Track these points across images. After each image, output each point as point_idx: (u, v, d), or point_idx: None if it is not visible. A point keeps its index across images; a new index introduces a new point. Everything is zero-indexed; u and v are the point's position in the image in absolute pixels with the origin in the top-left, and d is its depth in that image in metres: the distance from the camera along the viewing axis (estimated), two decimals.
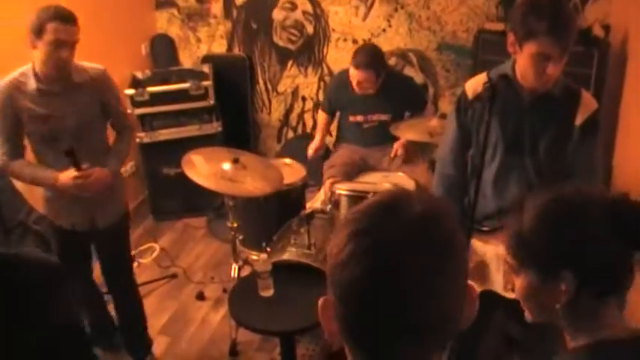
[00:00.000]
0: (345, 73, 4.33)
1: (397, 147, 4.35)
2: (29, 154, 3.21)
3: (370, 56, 4.15)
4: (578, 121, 2.55)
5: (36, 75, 3.02)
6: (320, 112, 4.77)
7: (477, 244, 2.78)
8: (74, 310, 1.80)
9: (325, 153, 4.77)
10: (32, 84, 3.01)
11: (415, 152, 4.44)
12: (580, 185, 1.47)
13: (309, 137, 5.52)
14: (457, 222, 1.02)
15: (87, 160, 3.07)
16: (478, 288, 2.77)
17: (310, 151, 4.59)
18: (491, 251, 2.76)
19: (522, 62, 2.46)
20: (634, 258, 1.39)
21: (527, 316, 1.55)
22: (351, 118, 4.43)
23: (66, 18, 2.92)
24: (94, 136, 3.25)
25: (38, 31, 2.89)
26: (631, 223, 1.36)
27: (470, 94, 2.69)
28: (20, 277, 1.38)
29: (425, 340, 0.97)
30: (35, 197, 3.83)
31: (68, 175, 3.02)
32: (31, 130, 3.09)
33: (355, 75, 4.13)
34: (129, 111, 4.82)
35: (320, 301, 1.04)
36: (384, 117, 4.33)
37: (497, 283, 2.75)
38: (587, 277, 1.39)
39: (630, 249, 1.38)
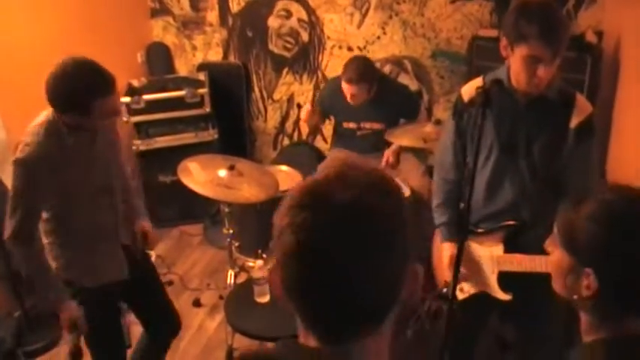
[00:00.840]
0: (338, 81, 4.32)
1: (388, 155, 4.32)
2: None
3: (361, 70, 4.12)
4: (573, 124, 2.57)
5: (67, 126, 2.60)
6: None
7: (472, 245, 2.80)
8: None
9: (319, 160, 4.77)
10: (68, 139, 2.60)
11: (410, 158, 4.44)
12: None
13: (305, 144, 5.56)
14: (399, 202, 1.09)
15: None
16: (473, 289, 2.81)
17: (304, 120, 4.48)
18: (486, 253, 2.78)
19: (514, 65, 2.49)
20: None
21: (554, 285, 1.56)
22: (345, 125, 4.44)
23: (111, 85, 2.52)
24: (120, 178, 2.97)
25: (84, 111, 2.50)
26: None
27: (466, 98, 2.72)
28: None
29: (354, 312, 1.04)
30: None
31: (74, 313, 2.72)
32: (71, 194, 2.70)
33: (348, 89, 4.13)
34: (124, 119, 4.85)
35: (271, 265, 1.10)
36: (377, 126, 4.32)
37: (492, 285, 2.76)
38: (610, 284, 1.39)
39: None
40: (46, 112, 2.63)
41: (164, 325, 3.28)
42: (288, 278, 1.04)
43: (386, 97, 4.29)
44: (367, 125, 4.37)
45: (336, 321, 1.05)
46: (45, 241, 2.78)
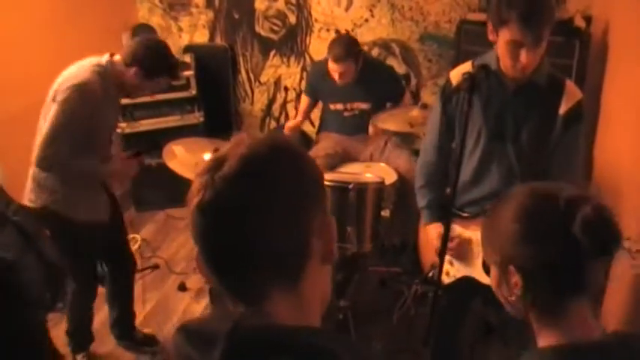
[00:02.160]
0: (323, 63, 4.33)
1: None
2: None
3: (346, 47, 4.12)
4: (562, 110, 2.57)
5: (118, 80, 3.06)
6: (303, 95, 4.71)
7: (458, 229, 2.79)
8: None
9: (306, 142, 4.75)
10: (112, 89, 3.06)
11: (397, 143, 4.43)
12: (548, 185, 1.48)
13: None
14: (295, 158, 1.13)
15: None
16: (459, 273, 2.80)
17: (287, 130, 4.46)
18: (471, 237, 2.78)
19: (500, 50, 2.49)
20: (599, 260, 1.38)
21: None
22: (332, 106, 4.43)
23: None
24: None
25: (151, 76, 3.07)
26: (589, 226, 1.34)
27: (454, 82, 2.71)
28: None
29: (257, 268, 1.07)
30: (15, 188, 3.81)
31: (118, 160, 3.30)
32: (89, 136, 3.02)
33: (335, 68, 4.12)
34: None
35: None
36: (363, 106, 4.33)
37: (478, 268, 2.76)
38: (531, 275, 1.40)
39: (594, 252, 1.35)
40: (97, 61, 3.00)
41: (126, 262, 3.65)
42: (196, 239, 1.09)
43: (371, 76, 4.29)
44: (354, 105, 4.36)
45: (240, 278, 1.09)
46: (41, 175, 3.05)
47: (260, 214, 1.05)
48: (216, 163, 1.07)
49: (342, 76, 4.15)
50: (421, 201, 2.91)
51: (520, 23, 2.34)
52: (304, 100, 4.68)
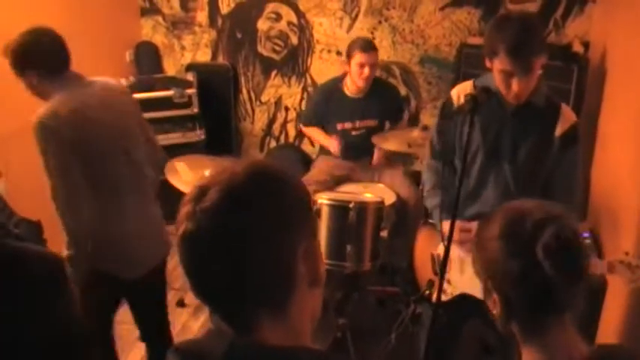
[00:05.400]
0: (330, 83, 4.39)
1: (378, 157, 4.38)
2: None
3: (369, 40, 4.29)
4: (558, 132, 2.62)
5: None
6: (308, 128, 4.64)
7: (454, 248, 2.81)
8: (76, 310, 1.72)
9: (305, 162, 4.76)
10: None
11: (397, 167, 4.46)
12: (525, 204, 1.49)
13: (292, 147, 5.55)
14: (279, 188, 1.13)
15: None
16: (456, 290, 2.79)
17: (333, 151, 4.37)
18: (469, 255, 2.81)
19: (495, 77, 2.55)
20: (567, 284, 1.39)
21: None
22: (339, 126, 4.39)
23: None
24: None
25: None
26: (549, 250, 1.37)
27: (455, 100, 2.76)
28: (25, 271, 1.32)
29: (242, 296, 1.09)
30: (17, 200, 3.83)
31: None
32: None
33: (365, 60, 4.13)
34: None
35: None
36: (370, 123, 4.35)
37: (476, 286, 2.77)
38: (504, 293, 1.44)
39: (557, 276, 1.37)
40: None
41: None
42: (182, 267, 1.11)
43: (379, 93, 4.35)
44: (363, 123, 4.37)
45: (228, 306, 1.11)
46: None
47: (240, 245, 1.06)
48: (199, 193, 1.09)
49: (371, 69, 4.17)
50: (432, 201, 2.93)
51: (509, 55, 2.40)
52: (313, 129, 4.59)
